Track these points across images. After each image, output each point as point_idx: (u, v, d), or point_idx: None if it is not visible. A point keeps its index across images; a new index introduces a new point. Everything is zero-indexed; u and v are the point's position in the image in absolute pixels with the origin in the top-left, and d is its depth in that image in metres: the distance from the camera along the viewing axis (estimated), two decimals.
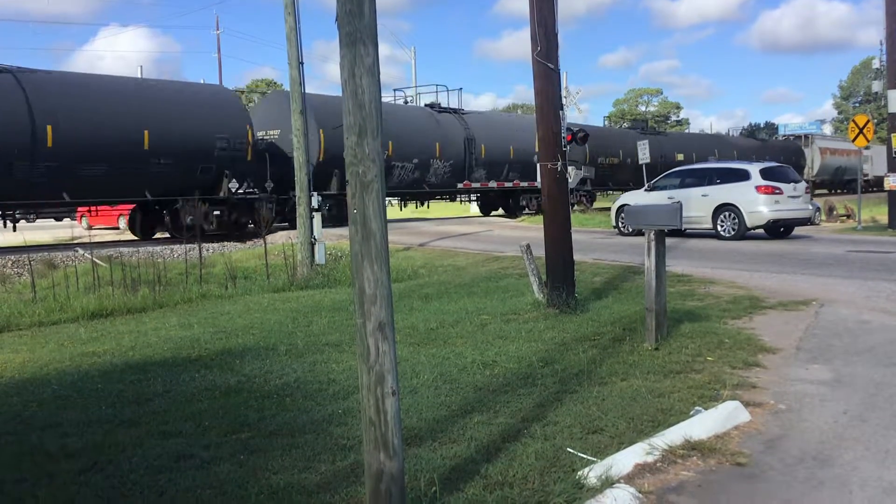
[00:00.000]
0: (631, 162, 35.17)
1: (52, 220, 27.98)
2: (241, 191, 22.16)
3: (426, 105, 28.95)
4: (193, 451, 4.30)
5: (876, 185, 55.23)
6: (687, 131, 64.94)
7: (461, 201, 32.34)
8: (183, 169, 19.31)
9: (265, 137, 23.13)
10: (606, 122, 44.52)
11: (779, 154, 43.36)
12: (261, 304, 10.83)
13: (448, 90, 29.74)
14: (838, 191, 50.64)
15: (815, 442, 4.38)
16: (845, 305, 8.65)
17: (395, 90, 34.36)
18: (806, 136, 51.03)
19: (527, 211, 30.86)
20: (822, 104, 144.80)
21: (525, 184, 29.82)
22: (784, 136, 54.42)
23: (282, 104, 23.92)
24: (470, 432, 4.46)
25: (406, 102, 29.34)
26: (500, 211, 31.68)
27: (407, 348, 6.81)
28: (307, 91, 15.41)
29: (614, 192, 40.97)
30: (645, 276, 6.87)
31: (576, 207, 32.28)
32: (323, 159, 22.34)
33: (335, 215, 22.92)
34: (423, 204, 28.94)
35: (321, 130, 22.15)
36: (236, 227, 21.13)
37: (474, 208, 34.57)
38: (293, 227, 22.01)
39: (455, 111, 28.51)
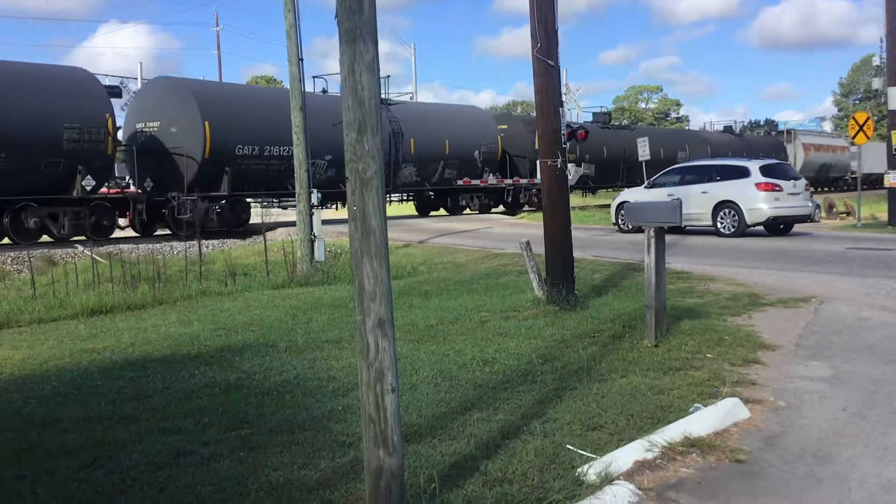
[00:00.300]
0: (588, 159, 32.09)
1: None
2: (103, 189, 19.11)
3: None
4: (193, 448, 4.30)
5: (865, 182, 53.51)
6: (687, 128, 64.55)
7: (390, 201, 28.34)
8: (21, 164, 16.64)
9: (144, 129, 20.41)
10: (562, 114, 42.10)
11: (757, 150, 40.85)
12: (260, 300, 10.83)
13: None
14: (824, 189, 48.83)
15: (815, 439, 4.38)
16: (845, 302, 8.65)
17: (314, 77, 28.92)
18: (788, 132, 48.67)
19: (467, 212, 28.57)
20: (822, 101, 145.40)
21: (476, 181, 27.76)
22: (765, 130, 52.02)
23: (165, 92, 20.64)
24: (469, 429, 4.47)
25: (325, 92, 25.03)
26: (442, 211, 29.07)
27: (406, 345, 6.81)
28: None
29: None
30: (645, 273, 6.87)
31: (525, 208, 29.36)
32: (209, 156, 19.56)
33: (227, 219, 20.44)
34: (345, 205, 25.43)
35: (206, 123, 19.41)
36: (98, 232, 18.45)
37: (409, 208, 30.55)
38: (177, 234, 19.12)
39: (380, 101, 26.42)
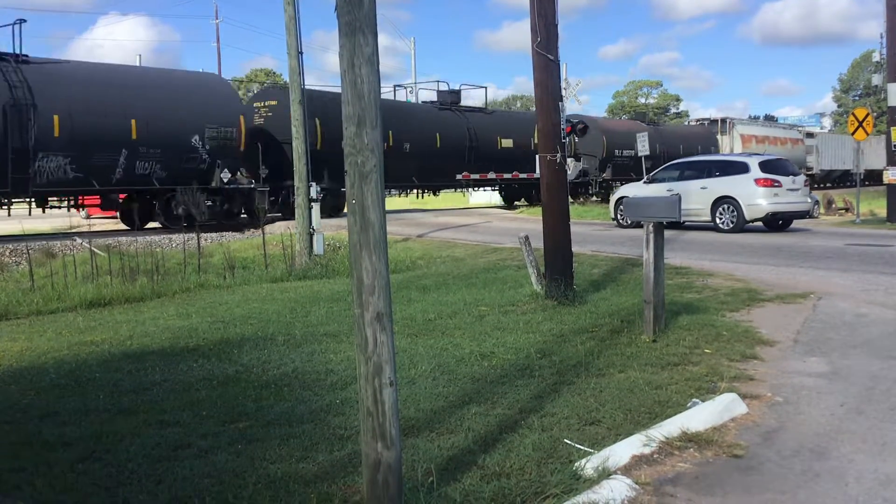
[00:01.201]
0: (441, 147, 26.42)
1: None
2: None
3: None
4: (191, 441, 4.30)
5: (823, 180, 45.69)
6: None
7: (25, 204, 18.30)
8: None
9: None
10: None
11: (678, 142, 35.37)
12: (259, 294, 10.83)
13: None
14: None
15: (812, 434, 4.39)
16: (843, 298, 8.66)
17: None
18: (724, 121, 41.57)
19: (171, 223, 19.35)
20: (822, 97, 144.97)
21: (240, 179, 20.03)
22: (699, 121, 44.10)
23: None
24: (467, 423, 4.47)
25: None
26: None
27: (405, 339, 6.81)
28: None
29: (402, 194, 30.11)
30: (643, 269, 6.87)
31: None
32: None
33: None
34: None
35: None
36: None
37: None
38: None
39: None
